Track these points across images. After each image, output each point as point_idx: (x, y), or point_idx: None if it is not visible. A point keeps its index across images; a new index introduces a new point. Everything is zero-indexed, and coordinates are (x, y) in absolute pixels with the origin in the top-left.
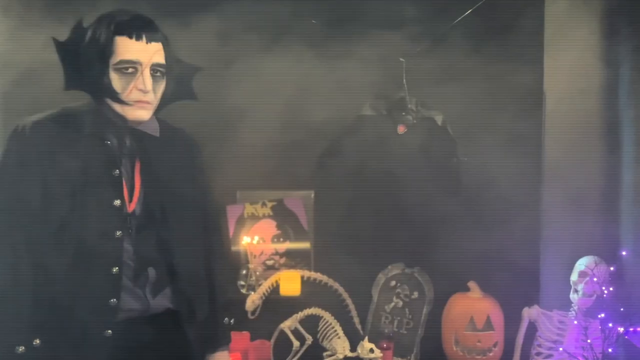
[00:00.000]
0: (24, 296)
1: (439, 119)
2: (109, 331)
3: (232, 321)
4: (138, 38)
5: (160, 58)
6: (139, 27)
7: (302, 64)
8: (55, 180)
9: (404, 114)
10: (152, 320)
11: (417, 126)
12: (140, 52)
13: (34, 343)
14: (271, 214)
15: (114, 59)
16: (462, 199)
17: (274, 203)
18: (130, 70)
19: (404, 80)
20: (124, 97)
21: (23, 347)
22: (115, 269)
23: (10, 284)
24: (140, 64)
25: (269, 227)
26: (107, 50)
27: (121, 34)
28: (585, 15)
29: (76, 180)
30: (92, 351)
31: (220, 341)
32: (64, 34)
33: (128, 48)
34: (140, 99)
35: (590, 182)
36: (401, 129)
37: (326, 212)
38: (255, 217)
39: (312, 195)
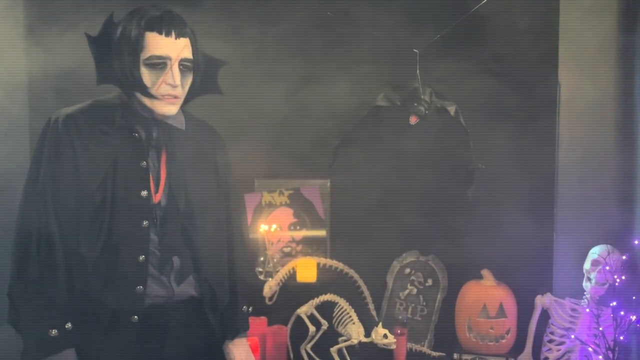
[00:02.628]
0: (57, 282)
1: (451, 110)
2: (136, 317)
3: (250, 309)
4: (168, 34)
5: (188, 53)
6: (169, 23)
7: (318, 56)
8: (87, 171)
9: (416, 104)
10: (177, 307)
11: (430, 117)
12: (169, 47)
13: (66, 326)
14: (288, 202)
15: (145, 54)
16: (476, 187)
17: (291, 192)
18: (160, 65)
19: (418, 71)
20: (153, 91)
21: (56, 330)
22: (141, 258)
23: (44, 270)
24: (170, 59)
25: (286, 215)
26: (138, 46)
27: (151, 29)
28: (602, 4)
29: (106, 171)
30: (120, 335)
31: (240, 328)
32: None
33: (158, 43)
34: (169, 93)
35: (604, 171)
36: (413, 120)
37: (342, 200)
38: (272, 206)
39: (328, 184)
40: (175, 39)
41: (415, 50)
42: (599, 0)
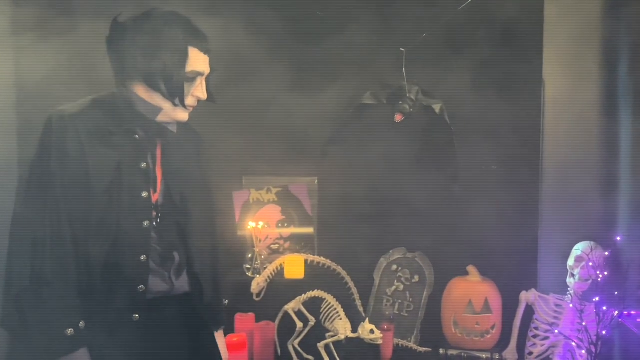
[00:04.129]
0: (69, 283)
1: (437, 108)
2: (137, 315)
3: (226, 302)
4: (206, 52)
5: (209, 68)
6: (206, 40)
7: (306, 54)
8: (92, 173)
9: (401, 102)
10: (174, 301)
11: (415, 115)
12: (204, 63)
13: (80, 325)
14: (276, 199)
15: (188, 68)
16: (462, 185)
17: (279, 189)
18: (192, 79)
19: (404, 69)
20: (185, 102)
21: (72, 330)
22: (143, 257)
23: (57, 272)
24: (203, 75)
25: (274, 212)
26: (184, 58)
27: (194, 45)
28: (585, 3)
29: (110, 173)
30: (122, 333)
31: (223, 320)
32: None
33: (198, 59)
34: (192, 105)
35: (588, 170)
36: (398, 118)
37: (329, 198)
38: (260, 203)
39: (316, 181)
40: (208, 56)
41: (401, 49)
42: None
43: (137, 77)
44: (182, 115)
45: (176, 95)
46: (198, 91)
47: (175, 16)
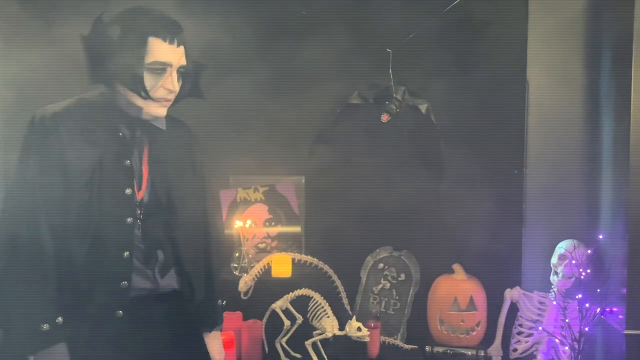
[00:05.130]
0: (48, 278)
1: (423, 108)
2: (120, 312)
3: (224, 302)
4: (171, 42)
5: (184, 60)
6: (171, 31)
7: (293, 54)
8: (74, 170)
9: (387, 103)
10: (160, 299)
11: (402, 115)
12: (171, 54)
13: (57, 321)
14: (263, 198)
15: (148, 59)
16: (448, 184)
17: (266, 188)
18: (159, 70)
19: (390, 70)
20: (151, 94)
21: (47, 325)
22: (126, 254)
23: (36, 267)
24: (171, 66)
25: (261, 211)
26: (142, 49)
27: (155, 35)
28: (569, 5)
29: (93, 170)
30: (105, 329)
31: (218, 320)
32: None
33: (161, 50)
34: (165, 97)
35: (571, 170)
36: (385, 118)
37: (316, 197)
38: (247, 202)
39: (303, 180)
40: (177, 46)
41: (388, 49)
42: (566, 1)
43: (111, 74)
44: (158, 110)
45: (138, 87)
46: (167, 83)
47: (137, 8)
